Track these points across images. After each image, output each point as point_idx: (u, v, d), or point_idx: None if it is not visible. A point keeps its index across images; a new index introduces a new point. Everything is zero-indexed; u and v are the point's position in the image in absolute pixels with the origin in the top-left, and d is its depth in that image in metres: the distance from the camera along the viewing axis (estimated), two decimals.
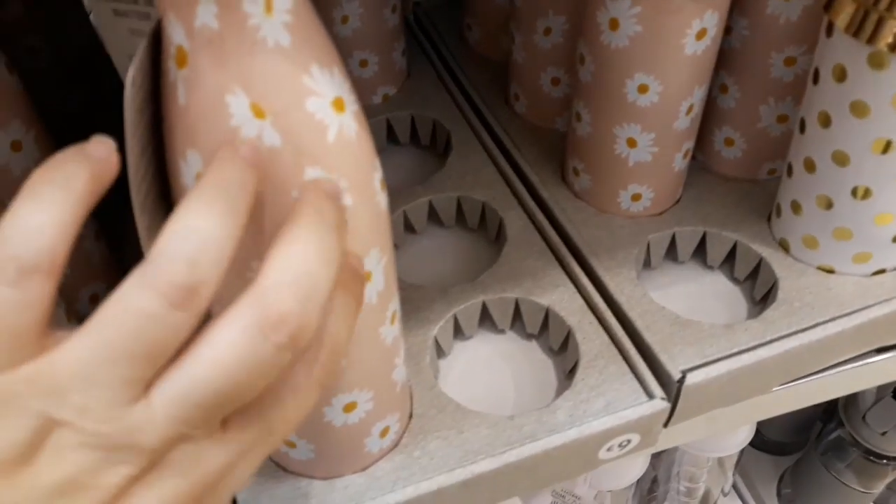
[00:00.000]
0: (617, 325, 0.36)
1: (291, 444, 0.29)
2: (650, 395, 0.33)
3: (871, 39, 0.30)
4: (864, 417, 0.59)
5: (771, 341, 0.35)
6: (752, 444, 0.76)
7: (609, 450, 0.33)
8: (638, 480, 0.66)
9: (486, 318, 0.39)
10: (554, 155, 0.45)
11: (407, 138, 0.50)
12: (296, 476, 0.32)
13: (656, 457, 0.61)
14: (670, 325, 0.36)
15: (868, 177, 0.34)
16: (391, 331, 0.27)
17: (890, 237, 0.36)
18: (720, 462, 0.59)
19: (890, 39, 0.30)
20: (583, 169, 0.41)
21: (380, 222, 0.24)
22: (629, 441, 0.34)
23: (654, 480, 0.66)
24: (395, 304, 0.27)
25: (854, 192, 0.35)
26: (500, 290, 0.38)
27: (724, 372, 0.34)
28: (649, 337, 0.35)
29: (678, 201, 0.42)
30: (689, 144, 0.40)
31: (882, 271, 0.38)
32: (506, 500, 0.48)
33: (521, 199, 0.43)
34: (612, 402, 0.33)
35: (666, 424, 0.35)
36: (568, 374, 0.36)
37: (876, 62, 0.31)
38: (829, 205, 0.36)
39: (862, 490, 0.65)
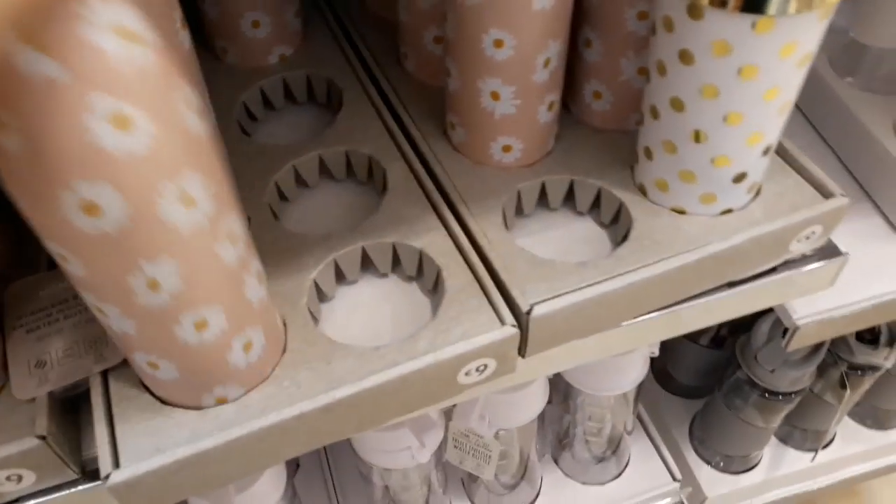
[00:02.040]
0: (479, 264, 0.38)
1: (154, 366, 0.31)
2: (502, 323, 0.36)
3: None
4: (756, 358, 0.63)
5: (616, 276, 0.38)
6: (665, 388, 0.80)
7: (468, 374, 0.36)
8: (551, 425, 0.70)
9: (369, 264, 0.42)
10: (438, 111, 0.48)
11: (304, 97, 0.52)
12: (172, 407, 0.34)
13: (564, 400, 0.65)
14: (527, 265, 0.38)
15: (701, 121, 0.37)
16: (231, 250, 0.29)
17: (730, 178, 0.39)
18: (622, 401, 0.62)
19: None
20: (457, 123, 0.44)
21: (194, 146, 0.26)
22: (486, 366, 0.37)
23: (570, 425, 0.69)
24: (232, 225, 0.29)
25: (692, 137, 0.38)
26: (378, 236, 0.41)
27: (569, 304, 0.37)
28: (506, 275, 0.38)
29: (550, 152, 0.45)
30: (553, 97, 0.42)
31: (729, 211, 0.41)
32: (395, 432, 0.51)
33: (403, 152, 0.45)
34: (468, 330, 0.36)
35: (523, 354, 0.38)
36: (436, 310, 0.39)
37: (695, 13, 0.34)
38: (673, 149, 0.39)
39: (763, 426, 0.69)
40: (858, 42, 0.57)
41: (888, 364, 0.65)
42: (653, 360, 0.72)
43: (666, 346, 0.72)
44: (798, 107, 0.62)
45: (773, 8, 0.32)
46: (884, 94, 0.57)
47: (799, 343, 0.49)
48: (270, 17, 0.49)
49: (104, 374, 0.35)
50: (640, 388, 0.61)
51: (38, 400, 0.34)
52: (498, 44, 0.38)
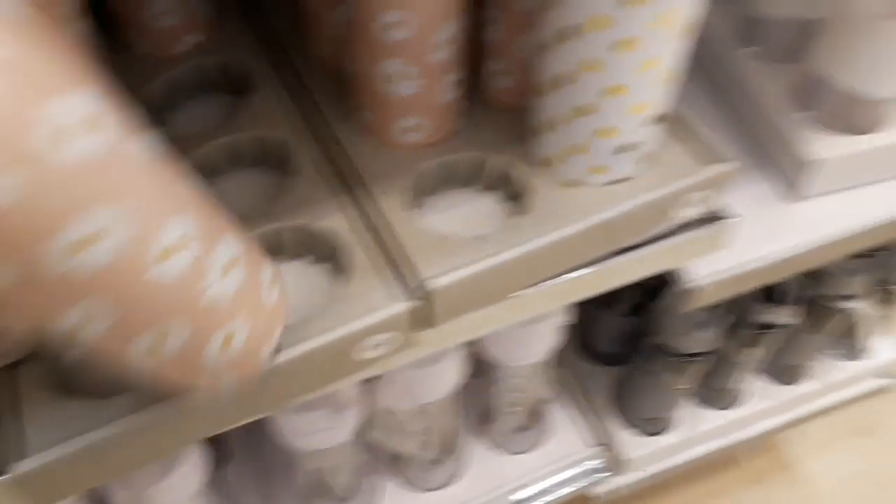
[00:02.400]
0: (382, 242, 0.39)
1: None
2: (397, 299, 0.37)
3: None
4: (666, 322, 0.65)
5: (510, 248, 0.39)
6: (586, 358, 0.82)
7: (364, 350, 0.37)
8: (473, 399, 0.71)
9: (280, 247, 0.42)
10: (348, 93, 0.48)
11: (220, 85, 0.51)
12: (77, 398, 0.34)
13: (484, 375, 0.66)
14: (428, 242, 0.39)
15: (585, 95, 0.38)
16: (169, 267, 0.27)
17: (618, 148, 0.41)
18: (538, 371, 0.64)
19: None
20: (363, 104, 0.44)
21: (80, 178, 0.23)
22: (385, 341, 0.37)
23: (491, 398, 0.71)
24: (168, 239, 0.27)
25: (578, 110, 0.39)
26: (289, 218, 0.41)
27: (466, 276, 0.38)
28: (408, 251, 0.39)
29: (455, 131, 0.46)
30: (455, 77, 0.43)
31: (621, 180, 0.42)
32: (311, 413, 0.51)
33: (316, 134, 0.45)
34: (362, 308, 0.37)
35: (428, 326, 0.39)
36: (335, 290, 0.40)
37: None
38: (563, 123, 0.40)
39: (678, 387, 0.72)
40: (756, 12, 0.60)
41: (793, 322, 0.68)
42: (574, 330, 0.74)
43: (586, 316, 0.74)
44: (705, 75, 0.64)
45: None
46: (781, 62, 0.60)
47: (695, 304, 0.52)
48: (179, 5, 0.49)
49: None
50: (556, 358, 0.62)
51: None
52: (393, 26, 0.39)
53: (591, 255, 0.43)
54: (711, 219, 0.46)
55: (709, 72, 0.64)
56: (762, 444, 1.05)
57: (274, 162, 0.47)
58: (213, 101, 0.52)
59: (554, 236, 0.39)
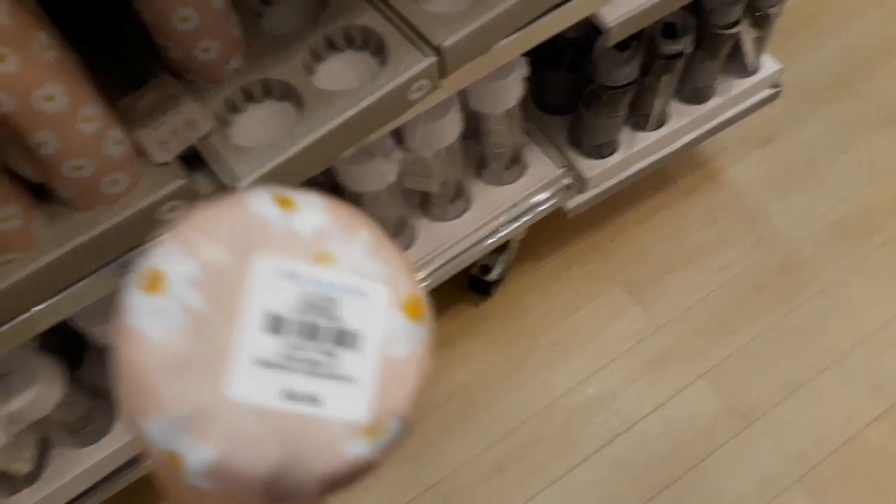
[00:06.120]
0: (407, 24, 0.62)
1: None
2: (427, 56, 0.60)
3: None
4: (597, 65, 0.89)
5: (499, 7, 0.62)
6: (545, 111, 1.07)
7: (414, 92, 0.61)
8: (471, 152, 0.96)
9: (332, 45, 0.64)
10: None
11: None
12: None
13: (475, 132, 0.91)
14: (437, 19, 0.62)
15: None
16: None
17: None
18: (512, 118, 0.88)
19: None
20: None
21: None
22: (424, 85, 0.61)
23: (483, 147, 0.96)
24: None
25: None
26: (333, 23, 0.63)
27: (464, 36, 0.61)
28: (425, 28, 0.61)
29: None
30: None
31: None
32: (371, 161, 0.75)
33: None
34: (407, 65, 0.60)
35: (444, 76, 0.62)
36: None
37: None
38: None
39: (614, 115, 0.97)
40: None
41: (689, 49, 0.92)
42: (531, 89, 0.97)
43: (540, 78, 0.98)
44: None
45: None
46: None
47: (612, 40, 0.75)
48: None
49: (204, 138, 0.58)
50: (523, 107, 0.87)
51: (171, 162, 0.57)
52: None
53: (538, 11, 0.66)
54: None
55: None
56: (690, 161, 1.33)
57: None
58: None
59: None
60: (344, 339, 0.24)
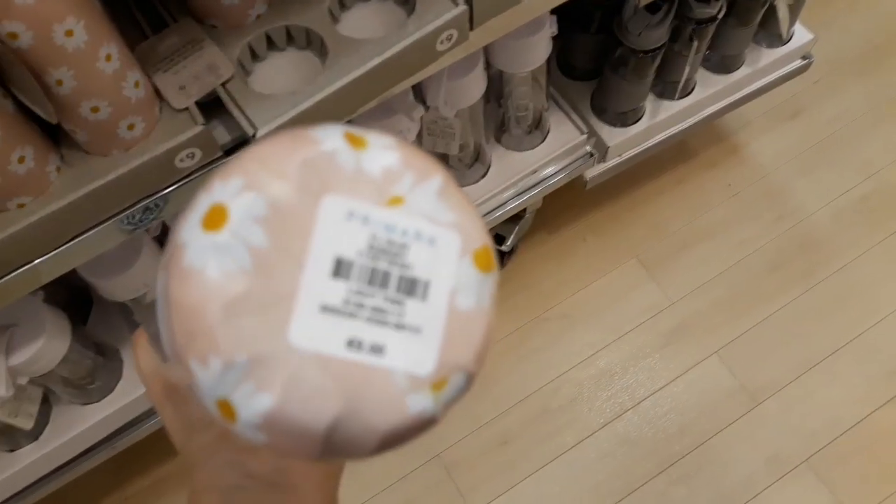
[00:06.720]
0: None
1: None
2: (457, 4, 0.57)
3: None
4: (626, 27, 0.86)
5: None
6: (569, 76, 1.04)
7: (441, 42, 0.58)
8: (492, 115, 0.94)
9: None
10: None
11: None
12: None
13: (497, 96, 0.88)
14: None
15: None
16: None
17: None
18: (535, 82, 0.86)
19: None
20: None
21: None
22: (453, 35, 0.58)
23: (505, 110, 0.93)
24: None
25: None
26: None
27: None
28: None
29: None
30: None
31: None
32: (392, 118, 0.73)
33: None
34: (437, 13, 0.57)
35: (472, 27, 0.60)
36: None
37: None
38: None
39: (640, 82, 0.94)
40: None
41: (720, 14, 0.89)
42: (556, 53, 0.94)
43: (564, 41, 0.95)
44: None
45: None
46: None
47: (644, 0, 0.72)
48: None
49: (223, 85, 0.56)
50: (548, 69, 0.84)
51: (190, 108, 0.54)
52: None
53: None
54: None
55: None
56: (712, 134, 1.30)
57: None
58: None
59: None
60: (412, 287, 0.22)
